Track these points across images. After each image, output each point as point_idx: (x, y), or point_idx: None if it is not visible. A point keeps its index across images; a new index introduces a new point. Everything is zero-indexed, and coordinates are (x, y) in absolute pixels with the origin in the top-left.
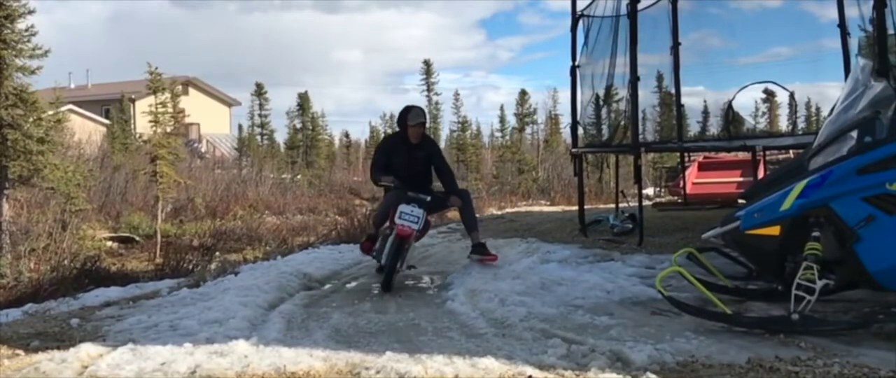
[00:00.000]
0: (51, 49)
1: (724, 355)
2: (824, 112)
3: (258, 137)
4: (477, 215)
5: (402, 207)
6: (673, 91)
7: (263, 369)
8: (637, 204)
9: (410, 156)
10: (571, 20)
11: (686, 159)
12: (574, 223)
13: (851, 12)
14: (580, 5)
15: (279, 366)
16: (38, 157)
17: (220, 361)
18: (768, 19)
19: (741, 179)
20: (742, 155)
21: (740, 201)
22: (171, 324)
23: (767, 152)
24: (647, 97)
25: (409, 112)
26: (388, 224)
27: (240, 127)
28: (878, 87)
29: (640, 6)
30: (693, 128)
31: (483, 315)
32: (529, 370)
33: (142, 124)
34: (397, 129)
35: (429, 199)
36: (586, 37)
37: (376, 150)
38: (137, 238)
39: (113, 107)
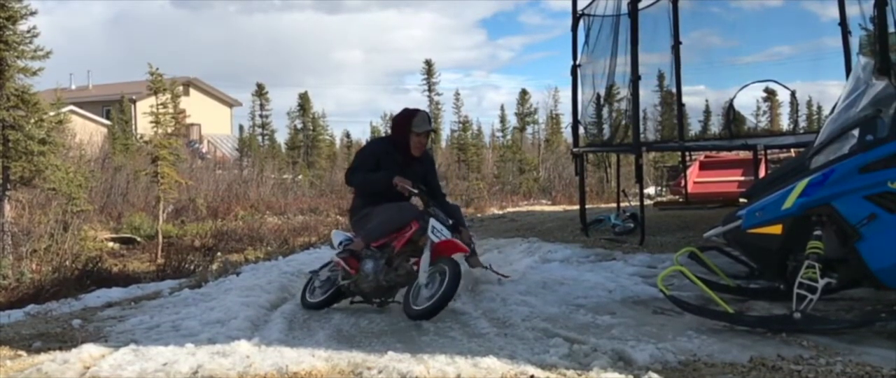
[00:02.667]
0: (52, 50)
1: (726, 354)
2: (825, 111)
3: (259, 138)
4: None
5: (435, 223)
6: (674, 90)
7: (265, 369)
8: (638, 203)
9: (406, 170)
10: (572, 20)
11: (687, 158)
12: (575, 223)
13: (852, 11)
14: (581, 5)
15: (281, 366)
16: (39, 158)
17: (222, 362)
18: (769, 18)
19: (742, 178)
20: (743, 154)
21: (742, 200)
22: (172, 324)
23: (769, 151)
24: (648, 96)
25: (414, 115)
26: (385, 242)
27: (241, 127)
28: (879, 85)
29: (640, 5)
30: (694, 127)
31: (485, 315)
32: (531, 370)
33: (143, 125)
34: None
35: (451, 222)
36: (587, 36)
37: (361, 154)
38: (139, 239)
39: (114, 108)
